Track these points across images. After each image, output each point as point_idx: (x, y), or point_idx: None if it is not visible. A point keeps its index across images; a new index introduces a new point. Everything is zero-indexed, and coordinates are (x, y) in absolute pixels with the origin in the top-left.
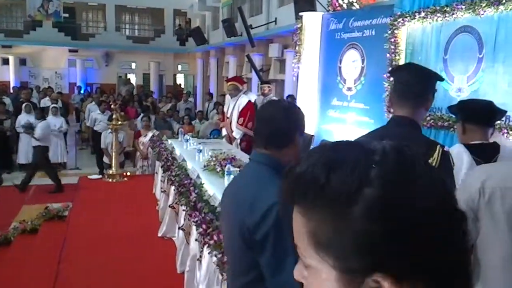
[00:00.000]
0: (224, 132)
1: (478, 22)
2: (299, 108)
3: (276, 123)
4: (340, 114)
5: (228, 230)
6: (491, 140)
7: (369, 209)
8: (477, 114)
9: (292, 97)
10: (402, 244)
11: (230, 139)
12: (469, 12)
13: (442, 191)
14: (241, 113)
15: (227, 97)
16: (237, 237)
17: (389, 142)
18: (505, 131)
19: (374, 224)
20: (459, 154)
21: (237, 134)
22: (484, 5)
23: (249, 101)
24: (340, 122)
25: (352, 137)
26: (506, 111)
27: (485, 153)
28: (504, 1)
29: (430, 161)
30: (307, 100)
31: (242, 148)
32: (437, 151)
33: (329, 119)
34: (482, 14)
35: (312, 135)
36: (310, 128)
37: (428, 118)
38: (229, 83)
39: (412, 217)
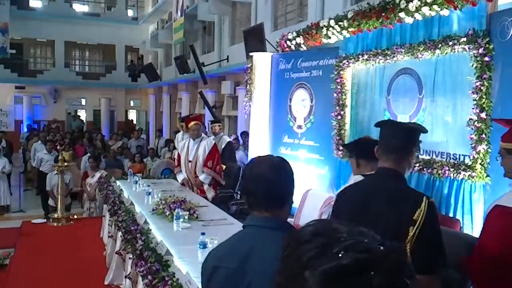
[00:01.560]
0: (181, 176)
1: (417, 64)
2: (285, 160)
3: (276, 182)
4: (291, 151)
5: None
6: None
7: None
8: (368, 151)
9: (245, 134)
10: None
11: (191, 184)
12: (409, 55)
13: None
14: (209, 156)
15: (178, 136)
16: None
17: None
18: (446, 168)
19: None
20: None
21: (205, 179)
22: (421, 49)
23: (215, 143)
24: (291, 159)
25: (303, 174)
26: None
27: None
28: (440, 46)
29: (417, 213)
30: (259, 137)
31: (213, 197)
32: (423, 202)
33: (281, 156)
34: (421, 57)
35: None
36: None
37: None
38: (193, 122)
39: None
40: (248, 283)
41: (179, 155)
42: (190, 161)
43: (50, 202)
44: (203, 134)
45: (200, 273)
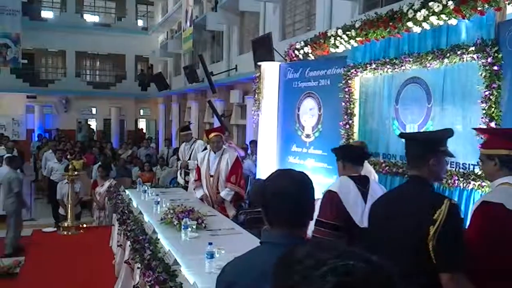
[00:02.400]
0: (200, 192)
1: (426, 73)
2: (306, 174)
3: (300, 200)
4: (299, 160)
5: None
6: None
7: None
8: (353, 156)
9: (254, 143)
10: None
11: (211, 201)
12: (417, 65)
13: None
14: (232, 170)
15: (184, 146)
16: None
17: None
18: (456, 177)
19: None
20: (348, 182)
21: (227, 195)
22: (430, 58)
23: (237, 155)
24: (299, 168)
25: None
26: (370, 154)
27: (362, 183)
28: (448, 55)
29: (437, 213)
30: (268, 146)
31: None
32: (444, 204)
33: (289, 165)
34: (429, 66)
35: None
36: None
37: (384, 165)
38: (213, 134)
39: None
40: None
41: (198, 169)
42: (211, 176)
43: (61, 211)
44: (224, 146)
45: (207, 283)
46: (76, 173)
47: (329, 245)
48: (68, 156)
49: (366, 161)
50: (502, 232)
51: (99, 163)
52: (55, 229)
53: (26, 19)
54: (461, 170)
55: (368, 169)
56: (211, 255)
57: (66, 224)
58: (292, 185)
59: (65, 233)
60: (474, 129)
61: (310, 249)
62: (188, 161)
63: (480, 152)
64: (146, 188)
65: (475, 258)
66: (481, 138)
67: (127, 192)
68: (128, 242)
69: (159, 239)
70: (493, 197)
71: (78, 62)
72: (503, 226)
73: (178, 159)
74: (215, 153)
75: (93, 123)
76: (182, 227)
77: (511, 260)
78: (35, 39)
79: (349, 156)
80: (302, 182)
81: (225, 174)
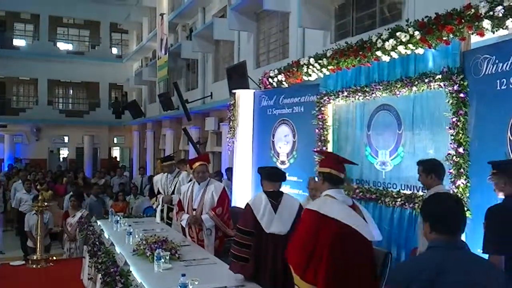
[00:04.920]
0: (184, 218)
1: (396, 101)
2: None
3: (463, 215)
4: None
5: None
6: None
7: None
8: (271, 175)
9: (230, 170)
10: None
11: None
12: (387, 92)
13: None
14: (219, 202)
15: (157, 179)
16: None
17: None
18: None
19: None
20: (261, 196)
21: (207, 221)
22: (399, 85)
23: (224, 187)
24: None
25: None
26: (285, 174)
27: (274, 197)
28: (416, 83)
29: None
30: (243, 173)
31: (216, 247)
32: None
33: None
34: (398, 94)
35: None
36: (246, 201)
37: (358, 191)
38: (198, 163)
39: None
40: None
41: (180, 202)
42: (194, 209)
43: (29, 243)
44: (209, 177)
45: None
46: (46, 204)
47: None
48: (38, 186)
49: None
50: (315, 229)
51: (71, 193)
52: (24, 262)
53: None
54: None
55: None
56: (185, 287)
57: (35, 257)
58: (457, 204)
59: (34, 266)
60: (314, 151)
61: None
62: (172, 196)
63: (317, 170)
64: (118, 218)
65: (299, 247)
66: (450, 163)
67: (99, 223)
68: (99, 275)
69: (131, 271)
70: (313, 205)
71: (51, 90)
72: (317, 226)
73: (152, 189)
74: (199, 184)
75: (65, 152)
76: (155, 258)
77: (321, 250)
78: (7, 68)
79: (267, 176)
80: (461, 201)
81: (209, 207)
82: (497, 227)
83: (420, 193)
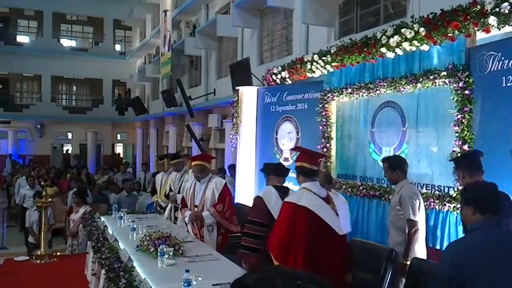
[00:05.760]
0: (187, 214)
1: (400, 98)
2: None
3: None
4: None
5: None
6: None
7: None
8: (277, 170)
9: (232, 167)
10: None
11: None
12: (391, 89)
13: None
14: (220, 199)
15: (158, 177)
16: None
17: None
18: (431, 199)
19: None
20: (271, 190)
21: (207, 217)
22: (403, 82)
23: (225, 183)
24: None
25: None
26: (289, 169)
27: (283, 191)
28: (421, 80)
29: None
30: (246, 170)
31: (218, 243)
32: None
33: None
34: (403, 91)
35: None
36: (249, 197)
37: (361, 188)
38: (194, 163)
39: None
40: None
41: (183, 199)
42: (196, 206)
43: (30, 239)
44: (211, 174)
45: None
46: (46, 200)
47: (278, 270)
48: (42, 183)
49: (334, 190)
50: (293, 220)
51: (74, 189)
52: (28, 257)
53: (1, 43)
54: (436, 192)
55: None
56: (188, 283)
57: (39, 252)
58: (496, 189)
59: (38, 261)
60: (292, 149)
61: (259, 275)
62: (177, 195)
63: (295, 165)
64: (122, 214)
65: (279, 237)
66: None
67: (102, 219)
68: (103, 271)
69: (134, 267)
70: (291, 198)
71: (54, 87)
72: (294, 216)
73: (154, 188)
74: (199, 181)
75: (68, 148)
76: (159, 254)
77: (299, 238)
78: (10, 64)
79: (273, 171)
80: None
81: (210, 203)
82: None
83: (424, 190)
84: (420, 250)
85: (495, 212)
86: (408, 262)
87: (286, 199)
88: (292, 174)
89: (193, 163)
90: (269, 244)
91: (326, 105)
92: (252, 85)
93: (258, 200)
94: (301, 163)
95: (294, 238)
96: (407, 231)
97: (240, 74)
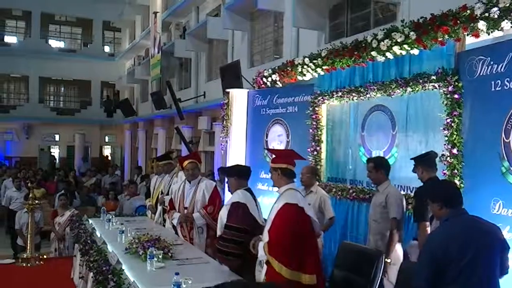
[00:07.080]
0: (175, 216)
1: (390, 101)
2: None
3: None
4: (268, 187)
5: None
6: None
7: None
8: (246, 172)
9: (222, 170)
10: None
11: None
12: (381, 93)
13: None
14: (210, 200)
15: (153, 179)
16: None
17: None
18: None
19: None
20: (246, 194)
21: (198, 219)
22: (393, 86)
23: (215, 185)
24: (268, 195)
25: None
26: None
27: (252, 193)
28: (411, 83)
29: None
30: None
31: (207, 245)
32: None
33: (258, 192)
34: (393, 94)
35: None
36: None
37: (351, 191)
38: (187, 161)
39: None
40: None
41: (171, 200)
42: (186, 208)
43: (19, 241)
44: (200, 176)
45: None
46: (36, 202)
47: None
48: (29, 184)
49: (318, 186)
50: (300, 222)
51: (62, 191)
52: (14, 260)
53: None
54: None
55: (321, 192)
56: (178, 286)
57: (25, 256)
58: (455, 184)
59: (24, 264)
60: (266, 149)
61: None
62: (165, 197)
63: (270, 166)
64: (110, 217)
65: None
66: (444, 164)
67: (91, 221)
68: (91, 274)
69: (123, 270)
70: (292, 199)
71: (42, 88)
72: (299, 218)
73: (148, 190)
74: (190, 182)
75: (55, 150)
76: (148, 257)
77: (303, 239)
78: None
79: (244, 174)
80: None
81: (201, 205)
82: (421, 203)
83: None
84: (399, 250)
85: (461, 203)
86: (389, 260)
87: (287, 201)
88: (266, 175)
89: (187, 161)
90: (274, 248)
91: (316, 108)
92: (242, 87)
93: (239, 205)
94: (287, 165)
95: (304, 240)
96: (389, 230)
97: (231, 76)
